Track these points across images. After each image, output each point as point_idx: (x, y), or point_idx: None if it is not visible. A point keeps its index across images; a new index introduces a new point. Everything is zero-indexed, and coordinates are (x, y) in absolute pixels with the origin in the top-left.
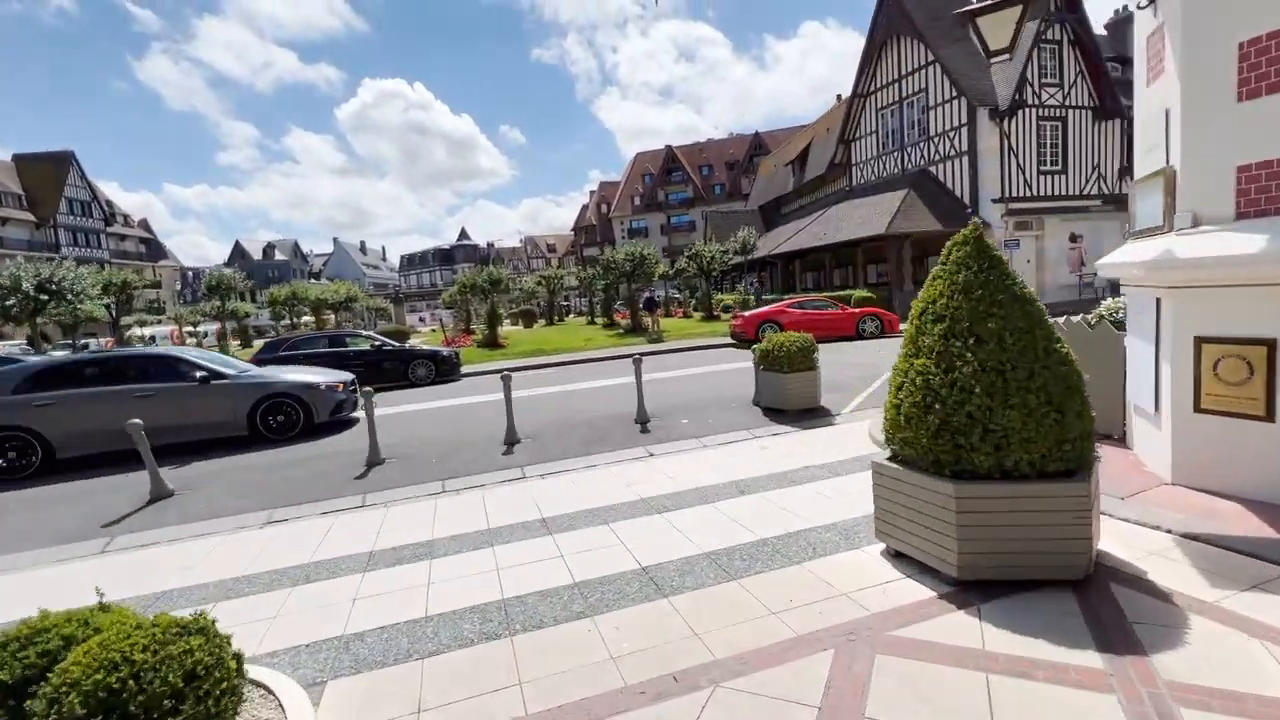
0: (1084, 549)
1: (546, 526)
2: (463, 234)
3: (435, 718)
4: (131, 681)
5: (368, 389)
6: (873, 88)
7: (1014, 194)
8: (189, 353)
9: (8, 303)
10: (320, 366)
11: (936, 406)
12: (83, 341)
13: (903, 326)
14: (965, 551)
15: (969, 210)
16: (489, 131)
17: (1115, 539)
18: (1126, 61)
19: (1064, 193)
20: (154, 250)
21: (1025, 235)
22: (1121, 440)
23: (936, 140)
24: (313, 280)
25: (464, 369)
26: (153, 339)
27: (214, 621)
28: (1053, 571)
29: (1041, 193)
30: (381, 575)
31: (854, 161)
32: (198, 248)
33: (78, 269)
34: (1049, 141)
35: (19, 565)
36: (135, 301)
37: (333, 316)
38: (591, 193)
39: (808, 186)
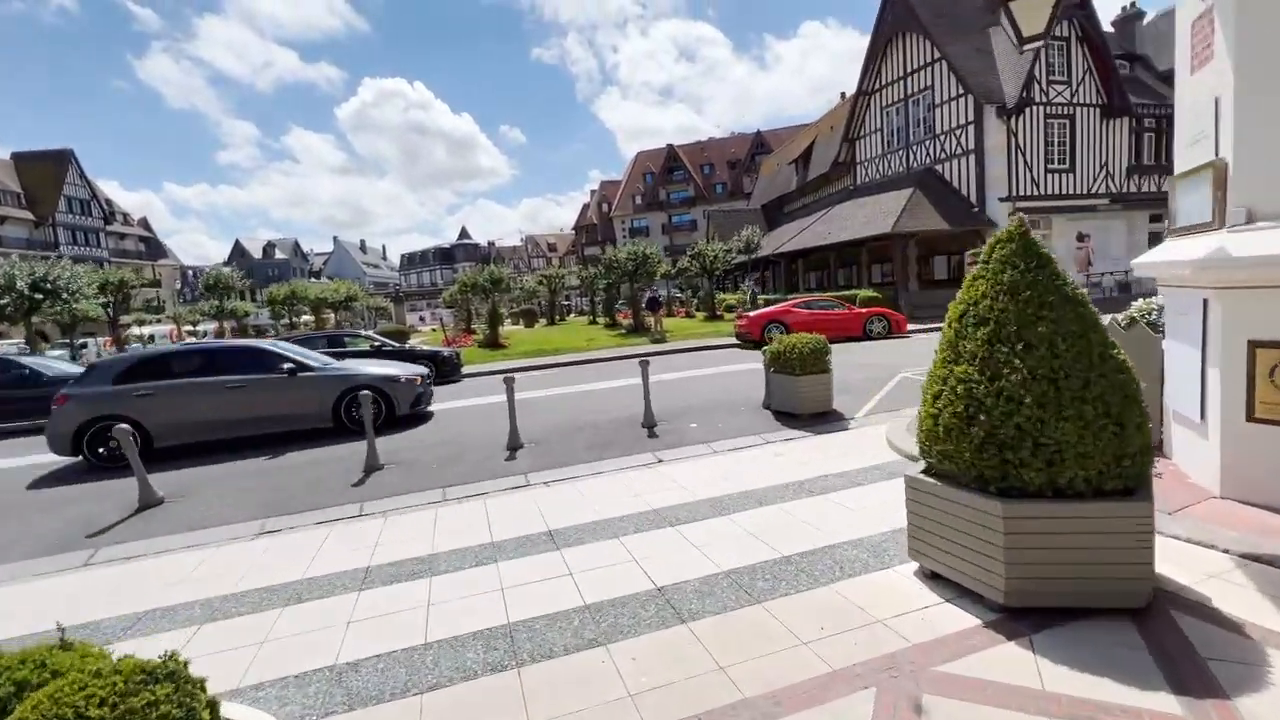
0: (1145, 574)
1: (553, 540)
2: (463, 233)
3: None
4: None
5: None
6: (878, 85)
7: (1021, 193)
8: (276, 345)
9: (1, 302)
10: None
11: (981, 418)
12: (81, 341)
13: (910, 327)
14: (1013, 576)
15: (976, 209)
16: (489, 131)
17: (1166, 559)
18: (1135, 59)
19: (1071, 191)
20: (154, 249)
21: (1033, 234)
22: (1159, 449)
23: (942, 138)
24: (313, 279)
25: (465, 369)
26: (151, 338)
27: (186, 664)
28: (1110, 599)
29: (1049, 191)
30: (378, 594)
31: (858, 160)
32: (198, 247)
33: (73, 267)
34: (1056, 140)
35: None
36: (133, 301)
37: (333, 316)
38: (592, 192)
39: (811, 185)
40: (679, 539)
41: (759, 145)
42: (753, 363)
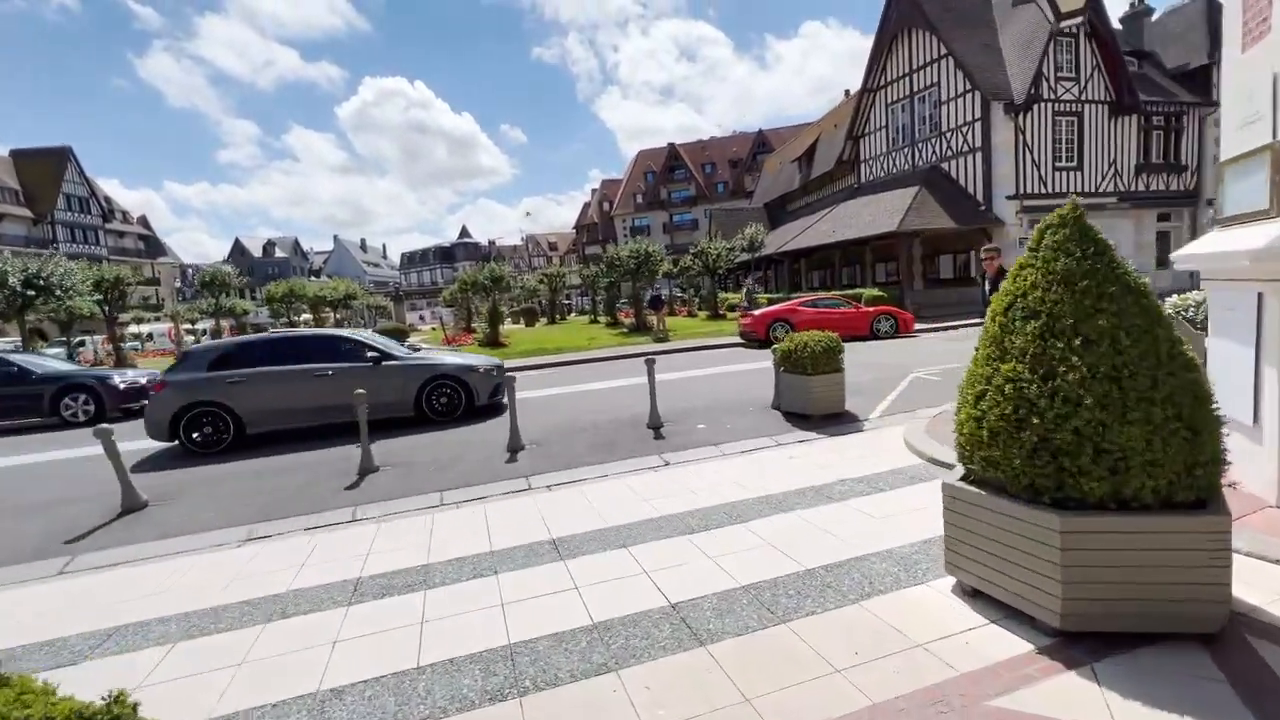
0: (1220, 596)
1: (557, 550)
2: (463, 232)
3: None
4: None
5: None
6: (883, 82)
7: (1028, 191)
8: (359, 334)
9: None
10: None
11: (1033, 420)
12: (78, 339)
13: (918, 326)
14: (1071, 597)
15: (982, 208)
16: (490, 130)
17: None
18: (1143, 56)
19: (1079, 190)
20: (153, 247)
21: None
22: None
23: (949, 136)
24: (312, 278)
25: None
26: (149, 337)
27: (135, 707)
28: (1181, 623)
29: (1056, 190)
30: (368, 610)
31: (863, 158)
32: (198, 245)
33: (67, 264)
34: (1064, 137)
35: None
36: (129, 298)
37: (332, 314)
38: (593, 191)
39: (814, 183)
40: (692, 549)
41: (761, 144)
42: (758, 362)
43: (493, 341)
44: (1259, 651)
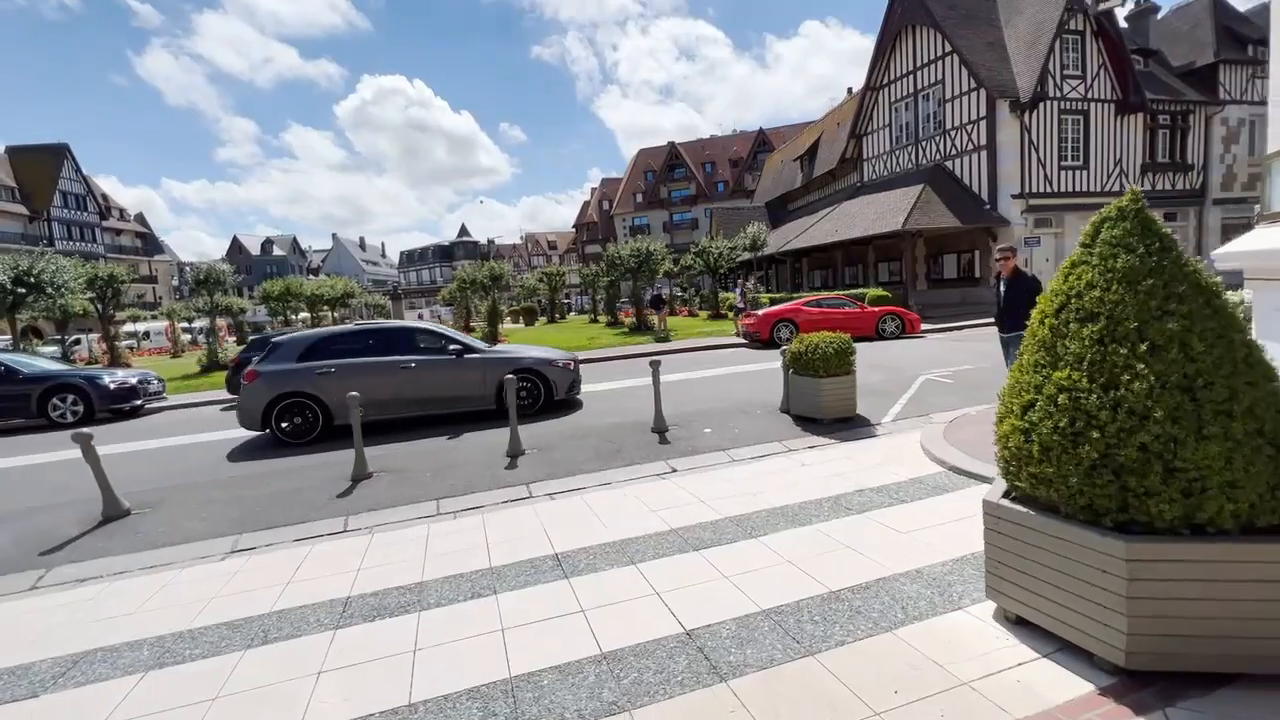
0: None
1: (561, 566)
2: (463, 230)
3: None
4: None
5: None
6: (886, 80)
7: (1033, 190)
8: (441, 327)
9: None
10: None
11: (1093, 434)
12: (74, 338)
13: (924, 327)
14: (1139, 632)
15: (987, 206)
16: (489, 129)
17: None
18: (1149, 54)
19: (1084, 189)
20: (150, 245)
21: (1045, 233)
22: None
23: (953, 134)
24: (311, 276)
25: None
26: (146, 335)
27: None
28: (1267, 663)
29: (1062, 189)
30: (357, 634)
31: (866, 156)
32: (197, 243)
33: (59, 261)
34: (1070, 136)
35: None
36: (123, 296)
37: (330, 313)
38: (593, 189)
39: (816, 182)
40: (705, 567)
41: (761, 143)
42: (762, 363)
43: (492, 340)
44: None
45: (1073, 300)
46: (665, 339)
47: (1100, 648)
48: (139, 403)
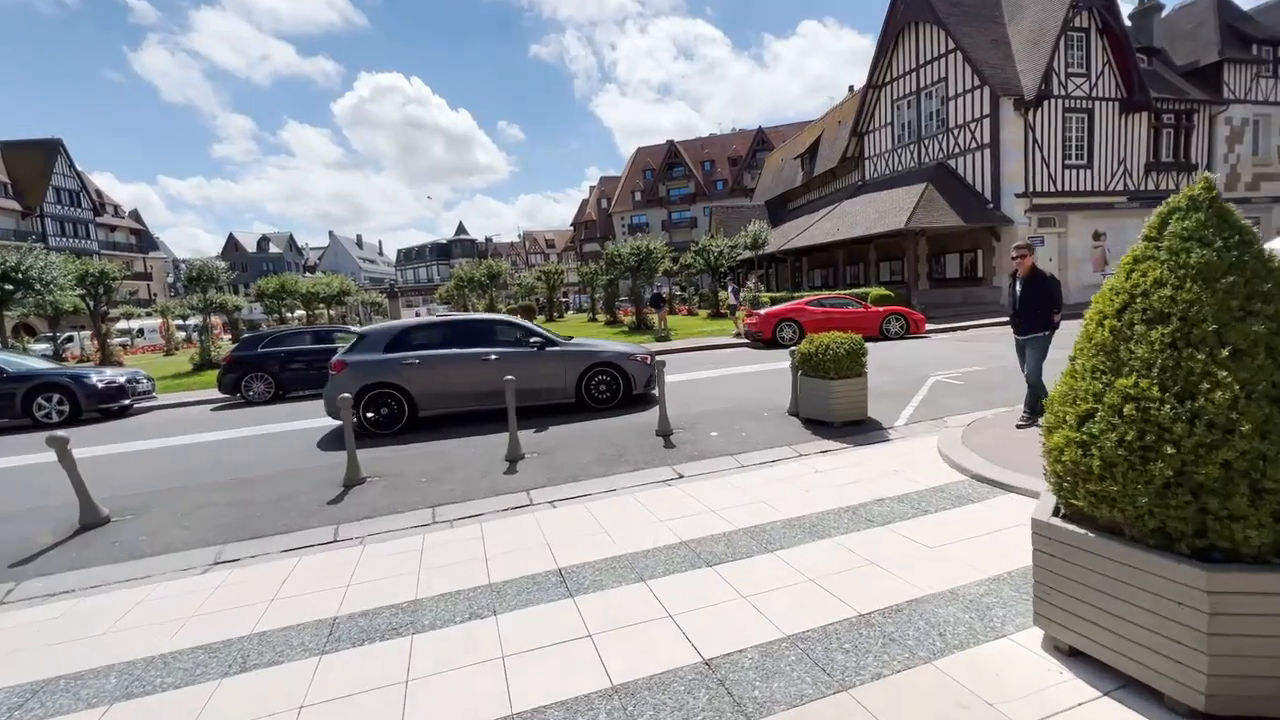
0: None
1: (565, 583)
2: (460, 229)
3: None
4: None
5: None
6: (888, 78)
7: (1037, 189)
8: (522, 320)
9: None
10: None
11: (1167, 450)
12: (66, 335)
13: (929, 327)
14: (1222, 673)
15: (990, 205)
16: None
17: None
18: (1153, 52)
19: (1088, 188)
20: (145, 242)
21: (1049, 232)
22: None
23: (956, 132)
24: (307, 273)
25: None
26: (140, 333)
27: None
28: None
29: (1065, 188)
30: (343, 660)
31: (867, 155)
32: (193, 240)
33: (48, 257)
34: (1074, 134)
35: None
36: (116, 293)
37: (326, 311)
38: (591, 188)
39: (817, 181)
40: (720, 585)
41: (760, 142)
42: (766, 363)
43: None
44: None
45: (1138, 299)
46: (665, 338)
47: (1174, 688)
48: (127, 402)
